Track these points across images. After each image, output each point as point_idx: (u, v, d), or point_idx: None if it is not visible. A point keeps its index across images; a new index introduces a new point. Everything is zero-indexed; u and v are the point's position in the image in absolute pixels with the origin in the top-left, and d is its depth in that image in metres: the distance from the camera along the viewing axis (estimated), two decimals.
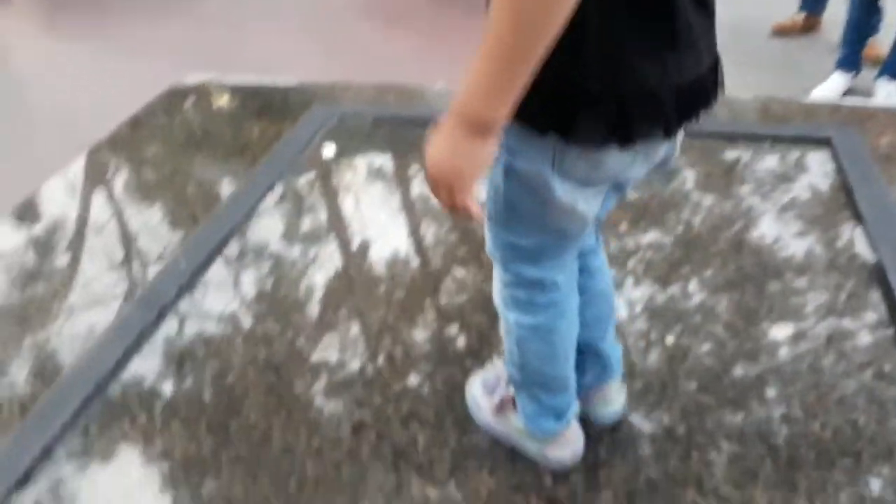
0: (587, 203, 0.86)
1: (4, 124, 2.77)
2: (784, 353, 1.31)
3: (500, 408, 1.14)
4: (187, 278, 1.52)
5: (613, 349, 1.16)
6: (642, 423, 1.20)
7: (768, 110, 2.08)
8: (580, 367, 1.09)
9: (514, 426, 1.13)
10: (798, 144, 1.90)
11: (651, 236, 1.61)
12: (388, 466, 1.14)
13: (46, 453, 1.18)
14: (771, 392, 1.24)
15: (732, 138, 1.93)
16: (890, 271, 1.45)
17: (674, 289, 1.47)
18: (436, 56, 2.99)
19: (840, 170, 1.77)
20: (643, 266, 1.52)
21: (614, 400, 1.18)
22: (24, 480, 1.14)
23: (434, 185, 0.76)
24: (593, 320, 1.08)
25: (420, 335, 1.39)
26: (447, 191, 0.75)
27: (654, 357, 1.31)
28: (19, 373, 1.35)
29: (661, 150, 0.85)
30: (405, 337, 1.39)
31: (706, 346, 1.33)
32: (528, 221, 0.89)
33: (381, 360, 1.34)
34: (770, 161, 1.85)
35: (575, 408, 1.10)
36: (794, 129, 1.95)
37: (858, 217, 1.62)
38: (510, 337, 1.03)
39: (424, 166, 0.77)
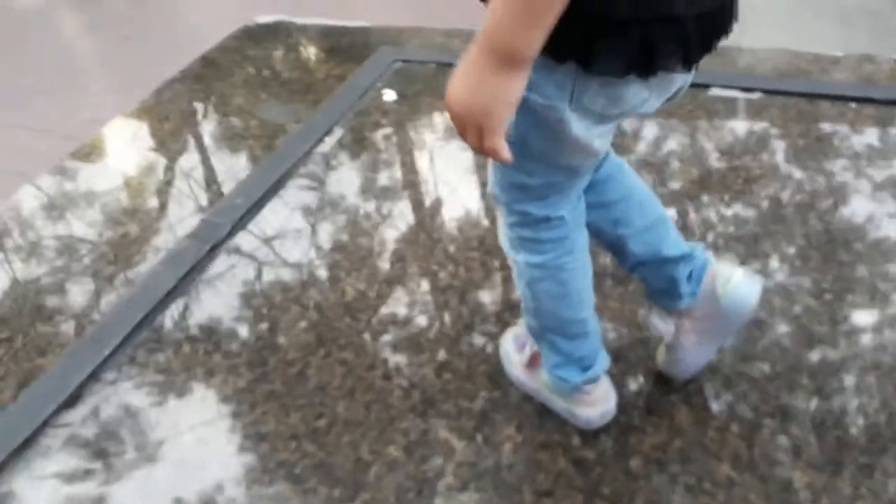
0: (602, 138, 0.84)
1: (86, 57, 2.88)
2: (866, 340, 1.22)
3: (531, 363, 1.12)
4: (241, 215, 1.55)
5: (686, 245, 1.04)
6: (682, 393, 1.15)
7: (863, 70, 1.93)
8: (668, 283, 1.03)
9: (543, 382, 1.10)
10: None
11: (734, 209, 1.51)
12: (417, 413, 1.15)
13: (94, 377, 1.24)
14: (845, 380, 1.16)
15: (824, 99, 1.80)
16: None
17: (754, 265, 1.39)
18: None
19: None
20: (723, 240, 1.44)
21: (737, 278, 1.02)
22: (72, 401, 1.20)
23: (461, 125, 0.72)
24: (646, 229, 1.01)
25: (484, 295, 1.36)
26: (475, 131, 0.71)
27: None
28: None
29: (678, 82, 0.82)
30: (458, 294, 1.38)
31: (783, 328, 1.25)
32: (540, 159, 0.85)
33: (427, 312, 1.34)
34: (867, 129, 1.72)
35: (604, 362, 1.05)
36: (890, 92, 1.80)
37: None
38: (522, 280, 1.00)
39: (447, 104, 0.72)
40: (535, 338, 1.07)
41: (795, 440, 1.07)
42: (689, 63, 0.77)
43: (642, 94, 0.78)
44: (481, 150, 0.73)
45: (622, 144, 1.69)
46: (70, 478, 1.09)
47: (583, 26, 0.70)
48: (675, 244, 1.04)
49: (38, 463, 1.11)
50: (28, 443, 1.13)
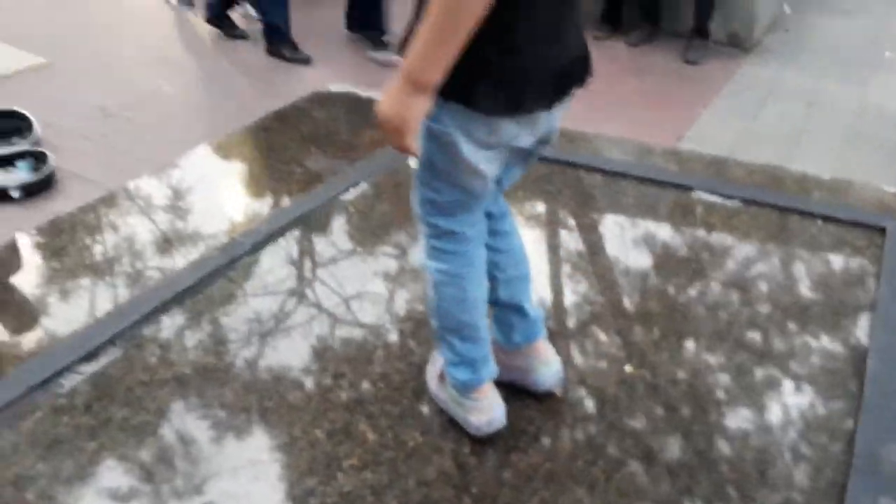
0: (488, 163, 1.11)
1: (183, 94, 3.38)
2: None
3: (442, 375, 1.35)
4: (261, 238, 1.88)
5: (535, 310, 1.34)
6: (570, 426, 1.35)
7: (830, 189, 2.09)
8: (508, 325, 1.30)
9: (447, 392, 1.33)
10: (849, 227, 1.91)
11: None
12: (346, 408, 1.39)
13: (117, 336, 1.56)
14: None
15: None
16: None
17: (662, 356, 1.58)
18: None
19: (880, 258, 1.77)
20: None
21: (551, 359, 1.36)
22: (90, 357, 1.51)
23: (384, 128, 1.01)
24: (514, 279, 1.29)
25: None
26: (394, 134, 1.00)
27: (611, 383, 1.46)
28: None
29: (543, 122, 1.10)
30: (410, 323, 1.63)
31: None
32: (443, 178, 1.13)
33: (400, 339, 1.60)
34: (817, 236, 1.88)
35: (491, 369, 1.28)
36: (849, 212, 1.96)
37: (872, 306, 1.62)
38: (429, 285, 1.24)
39: (377, 115, 1.01)
40: (437, 339, 1.31)
41: (651, 479, 1.25)
42: (548, 106, 1.07)
43: (513, 129, 1.07)
44: (399, 149, 1.02)
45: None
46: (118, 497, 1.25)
47: (466, 73, 0.99)
48: (528, 301, 1.32)
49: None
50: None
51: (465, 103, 1.02)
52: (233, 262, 1.80)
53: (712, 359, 1.53)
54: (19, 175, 2.48)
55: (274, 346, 1.56)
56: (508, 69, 1.01)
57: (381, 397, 1.42)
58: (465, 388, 1.28)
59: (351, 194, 2.09)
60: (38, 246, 1.97)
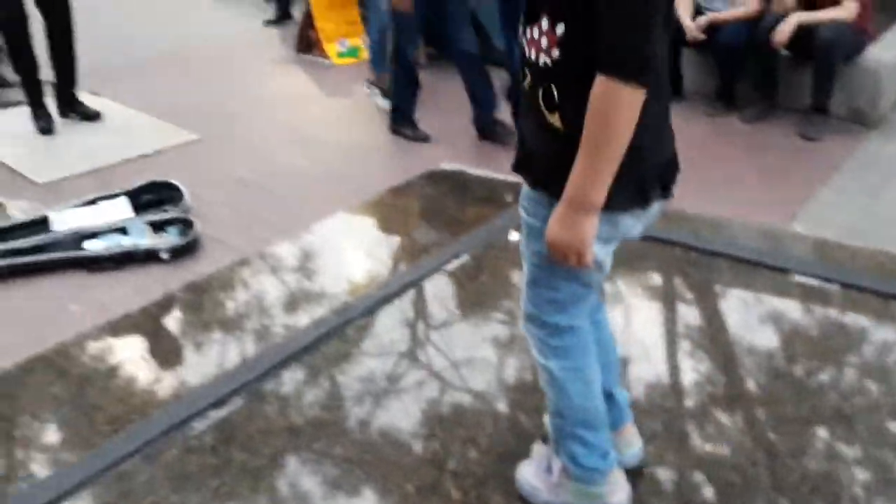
0: (607, 256, 1.19)
1: (305, 165, 3.70)
2: None
3: (558, 482, 1.34)
4: (375, 303, 2.05)
5: (622, 394, 1.40)
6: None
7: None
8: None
9: (571, 491, 1.33)
10: None
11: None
12: (435, 465, 1.50)
13: (242, 387, 1.76)
14: None
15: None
16: None
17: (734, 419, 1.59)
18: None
19: None
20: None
21: (634, 442, 1.42)
22: (218, 404, 1.72)
23: (557, 251, 1.09)
24: (606, 367, 1.34)
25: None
26: (568, 255, 1.08)
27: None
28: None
29: (655, 211, 1.18)
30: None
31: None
32: (563, 275, 1.18)
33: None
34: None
35: (613, 452, 1.32)
36: None
37: None
38: (554, 385, 1.26)
39: (549, 243, 1.09)
40: (562, 438, 1.30)
41: None
42: (664, 196, 1.15)
43: (631, 222, 1.15)
44: (575, 266, 1.10)
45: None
46: None
47: None
48: (617, 386, 1.38)
49: None
50: None
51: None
52: (349, 322, 1.98)
53: (848, 450, 1.50)
54: (169, 239, 2.82)
55: (384, 405, 1.70)
56: (634, 167, 1.07)
57: (482, 462, 1.52)
58: (601, 475, 1.30)
59: (455, 265, 2.24)
60: (182, 303, 2.25)
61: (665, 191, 1.16)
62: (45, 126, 3.88)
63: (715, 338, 1.88)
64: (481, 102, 3.74)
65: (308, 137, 4.00)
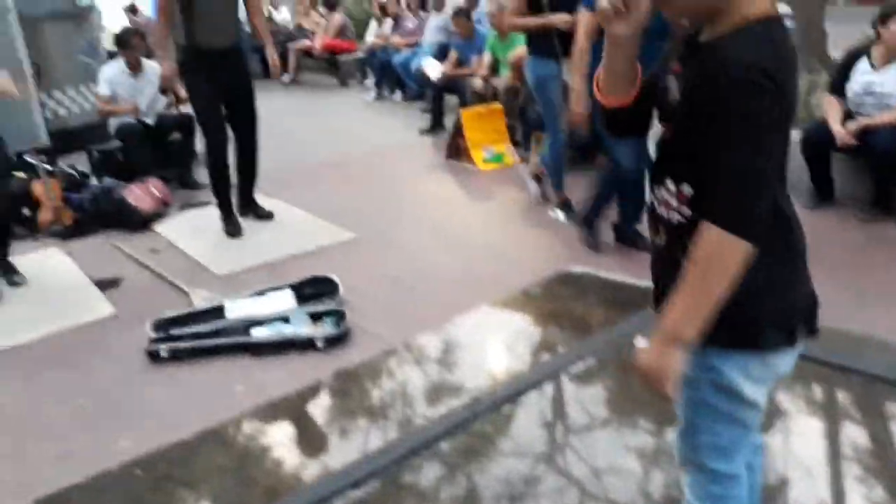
0: (762, 396, 1.23)
1: (428, 262, 3.93)
2: None
3: None
4: (505, 400, 2.17)
5: None
6: None
7: None
8: None
9: None
10: None
11: None
12: None
13: (379, 472, 1.92)
14: None
15: None
16: None
17: None
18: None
19: None
20: None
21: None
22: (356, 485, 1.88)
23: (647, 377, 1.12)
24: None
25: None
26: (656, 383, 1.11)
27: None
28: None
29: (801, 343, 1.21)
30: None
31: None
32: (723, 419, 1.22)
33: None
34: None
35: None
36: None
37: None
38: None
39: (643, 372, 1.13)
40: None
41: None
42: (812, 330, 1.19)
43: (785, 358, 1.19)
44: (660, 395, 1.14)
45: None
46: None
47: (750, 321, 1.13)
48: None
49: None
50: None
51: (752, 347, 1.16)
52: (483, 417, 2.11)
53: None
54: (325, 329, 3.12)
55: None
56: (786, 307, 1.14)
57: None
58: None
59: (582, 367, 2.33)
60: (332, 389, 2.48)
61: (811, 329, 1.19)
62: (233, 231, 4.41)
63: (881, 461, 1.81)
64: (629, 215, 3.74)
65: (452, 238, 4.27)
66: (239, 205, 4.62)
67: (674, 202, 1.15)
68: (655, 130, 1.23)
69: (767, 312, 1.15)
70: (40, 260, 4.19)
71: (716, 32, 1.09)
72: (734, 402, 1.19)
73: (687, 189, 1.13)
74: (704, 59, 1.09)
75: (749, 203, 1.03)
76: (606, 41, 1.16)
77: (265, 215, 4.62)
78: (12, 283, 3.74)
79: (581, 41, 3.40)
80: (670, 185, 1.15)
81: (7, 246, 3.79)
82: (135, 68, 5.37)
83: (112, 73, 5.40)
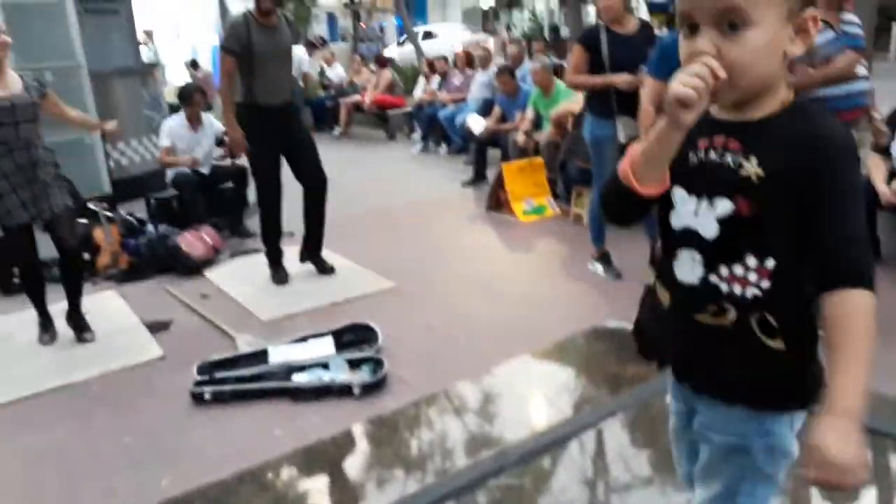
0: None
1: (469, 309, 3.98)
2: None
3: None
4: (538, 452, 2.20)
5: None
6: None
7: None
8: None
9: None
10: None
11: None
12: None
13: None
14: None
15: None
16: None
17: None
18: None
19: None
20: None
21: None
22: None
23: (831, 472, 1.00)
24: None
25: None
26: (853, 475, 1.00)
27: None
28: None
29: None
30: None
31: None
32: (768, 482, 1.22)
33: None
34: None
35: None
36: None
37: None
38: None
39: (816, 461, 1.01)
40: None
41: None
42: None
43: None
44: (846, 488, 1.02)
45: None
46: None
47: (808, 378, 1.16)
48: None
49: None
50: None
51: (806, 404, 1.17)
52: (513, 469, 2.14)
53: None
54: (362, 376, 3.19)
55: None
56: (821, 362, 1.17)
57: None
58: None
59: (607, 424, 2.34)
60: (367, 436, 2.54)
61: None
62: (280, 279, 4.52)
63: None
64: None
65: (490, 288, 4.34)
66: (304, 254, 4.66)
67: (753, 277, 1.13)
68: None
69: (816, 368, 1.17)
70: (97, 302, 4.39)
71: (766, 110, 1.12)
72: (780, 463, 1.20)
73: (770, 263, 1.12)
74: (787, 132, 1.09)
75: (870, 260, 1.08)
76: (665, 126, 1.08)
77: (327, 270, 4.64)
78: (81, 340, 3.79)
79: (646, 106, 3.46)
80: (751, 261, 1.12)
81: (80, 294, 3.84)
82: (194, 122, 5.66)
83: (173, 126, 5.71)
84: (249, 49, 4.07)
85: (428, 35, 20.35)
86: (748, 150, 1.11)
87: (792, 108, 1.12)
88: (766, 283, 1.12)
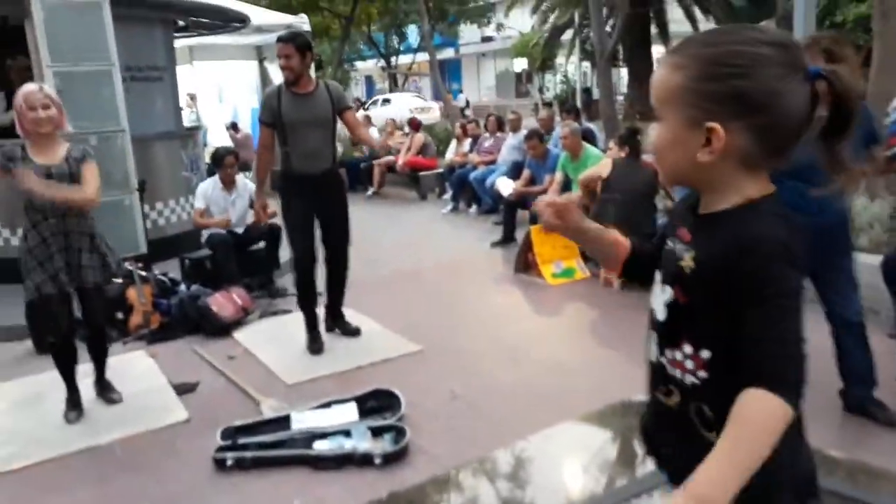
0: None
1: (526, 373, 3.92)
2: None
3: None
4: None
5: None
6: None
7: None
8: None
9: None
10: None
11: None
12: None
13: None
14: None
15: None
16: None
17: None
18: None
19: None
20: None
21: None
22: None
23: None
24: None
25: None
26: None
27: None
28: None
29: None
30: None
31: None
32: None
33: None
34: None
35: None
36: None
37: None
38: None
39: None
40: None
41: None
42: None
43: None
44: None
45: None
46: None
47: (772, 487, 1.09)
48: None
49: None
50: None
51: None
52: None
53: None
54: (384, 445, 3.15)
55: None
56: (797, 472, 1.14)
57: None
58: None
59: (643, 500, 2.26)
60: None
61: (815, 495, 1.18)
62: (316, 349, 4.45)
63: None
64: (859, 377, 3.17)
65: (517, 352, 4.29)
66: (327, 319, 4.68)
67: (689, 365, 1.16)
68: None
69: (784, 479, 1.13)
70: (126, 361, 4.45)
71: (719, 206, 1.14)
72: None
73: (706, 353, 1.14)
74: (722, 232, 1.11)
75: (794, 369, 1.04)
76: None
77: (352, 332, 4.64)
78: (110, 402, 3.83)
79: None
80: (687, 348, 1.16)
81: (104, 361, 3.89)
82: (228, 184, 5.81)
83: (207, 189, 5.86)
84: (280, 118, 4.17)
85: (386, 101, 25.26)
86: (692, 243, 1.17)
87: (745, 209, 1.12)
88: (702, 374, 1.14)
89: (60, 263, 3.45)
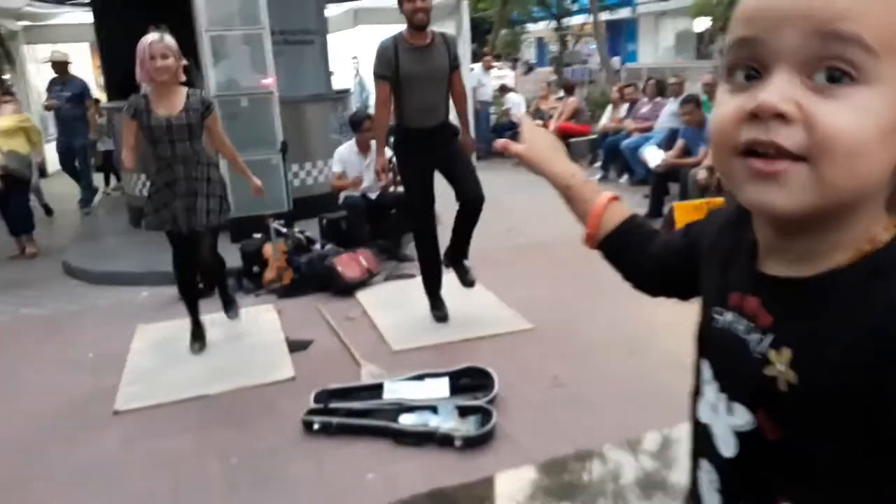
0: None
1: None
2: None
3: None
4: None
5: None
6: None
7: None
8: None
9: None
10: None
11: None
12: None
13: None
14: None
15: None
16: None
17: None
18: None
19: None
20: None
21: None
22: None
23: None
24: None
25: None
26: None
27: None
28: None
29: None
30: None
31: None
32: None
33: None
34: None
35: None
36: None
37: None
38: None
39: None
40: None
41: None
42: None
43: None
44: None
45: None
46: None
47: None
48: None
49: None
50: None
51: None
52: None
53: None
54: (468, 427, 3.01)
55: None
56: None
57: None
58: None
59: None
60: (452, 500, 2.36)
61: None
62: (442, 318, 4.32)
63: None
64: None
65: (633, 341, 3.95)
66: (448, 256, 4.41)
67: None
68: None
69: None
70: (254, 314, 4.66)
71: (826, 258, 0.66)
72: None
73: None
74: (847, 308, 0.63)
75: None
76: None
77: (468, 282, 4.39)
78: (231, 318, 4.37)
79: None
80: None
81: (224, 284, 4.39)
82: (364, 148, 5.86)
83: (343, 153, 5.96)
84: (396, 72, 4.03)
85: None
86: (779, 330, 0.67)
87: (872, 260, 0.64)
88: None
89: (181, 206, 3.70)
